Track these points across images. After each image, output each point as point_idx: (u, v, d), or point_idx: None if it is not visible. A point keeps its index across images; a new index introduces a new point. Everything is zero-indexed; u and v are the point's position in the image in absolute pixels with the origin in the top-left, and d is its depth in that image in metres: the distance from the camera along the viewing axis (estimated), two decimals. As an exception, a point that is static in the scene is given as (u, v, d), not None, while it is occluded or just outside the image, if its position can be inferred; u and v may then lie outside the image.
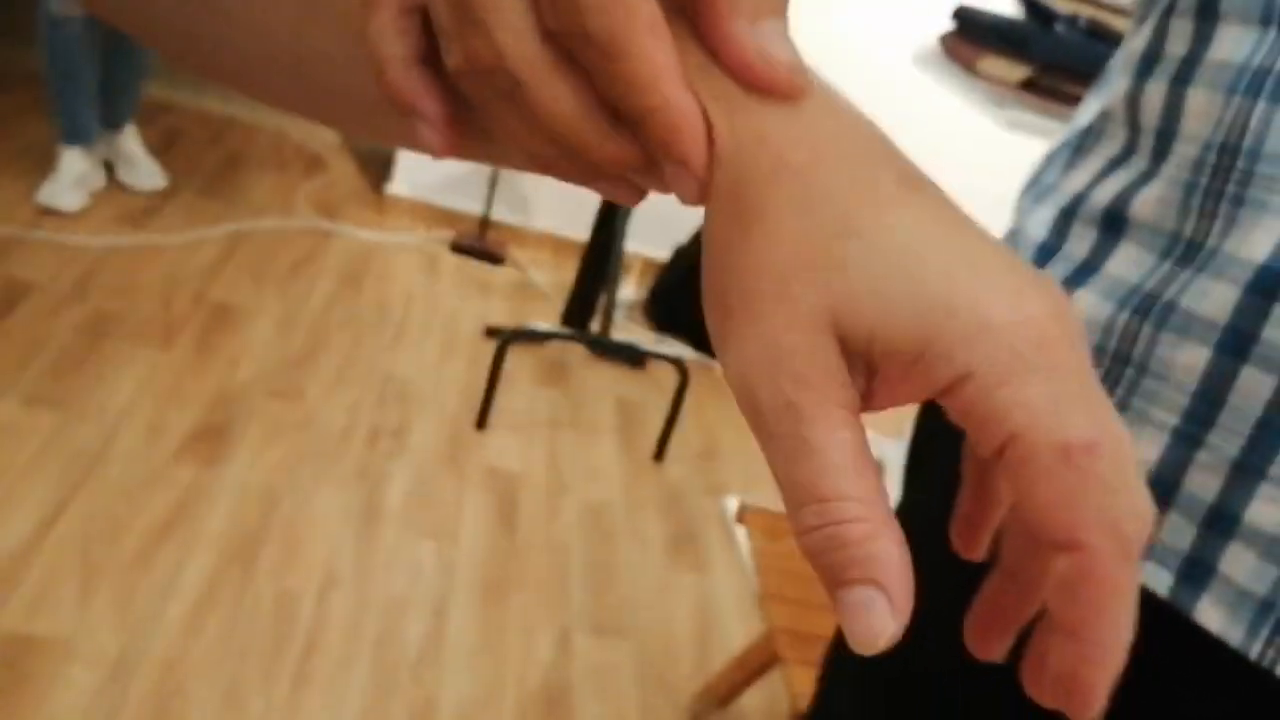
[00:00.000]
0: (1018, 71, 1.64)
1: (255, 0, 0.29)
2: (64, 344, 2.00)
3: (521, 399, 2.33)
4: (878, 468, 0.22)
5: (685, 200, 0.24)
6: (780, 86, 0.22)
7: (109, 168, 2.64)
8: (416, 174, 2.97)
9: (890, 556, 0.21)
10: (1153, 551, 0.47)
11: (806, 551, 0.22)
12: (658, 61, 0.21)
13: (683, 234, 2.87)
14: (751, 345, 0.22)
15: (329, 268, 2.62)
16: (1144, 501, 0.21)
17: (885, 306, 0.21)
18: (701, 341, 2.75)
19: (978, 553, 0.27)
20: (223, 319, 2.25)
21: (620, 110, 0.23)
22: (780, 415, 0.22)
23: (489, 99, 0.23)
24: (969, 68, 1.66)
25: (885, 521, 0.21)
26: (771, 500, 2.19)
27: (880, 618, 0.21)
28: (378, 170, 3.20)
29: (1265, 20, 0.44)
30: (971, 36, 1.70)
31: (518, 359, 2.44)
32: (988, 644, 0.26)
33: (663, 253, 2.96)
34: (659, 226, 2.92)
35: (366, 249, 2.78)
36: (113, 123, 2.61)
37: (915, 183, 0.23)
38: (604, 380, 2.52)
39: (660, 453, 2.27)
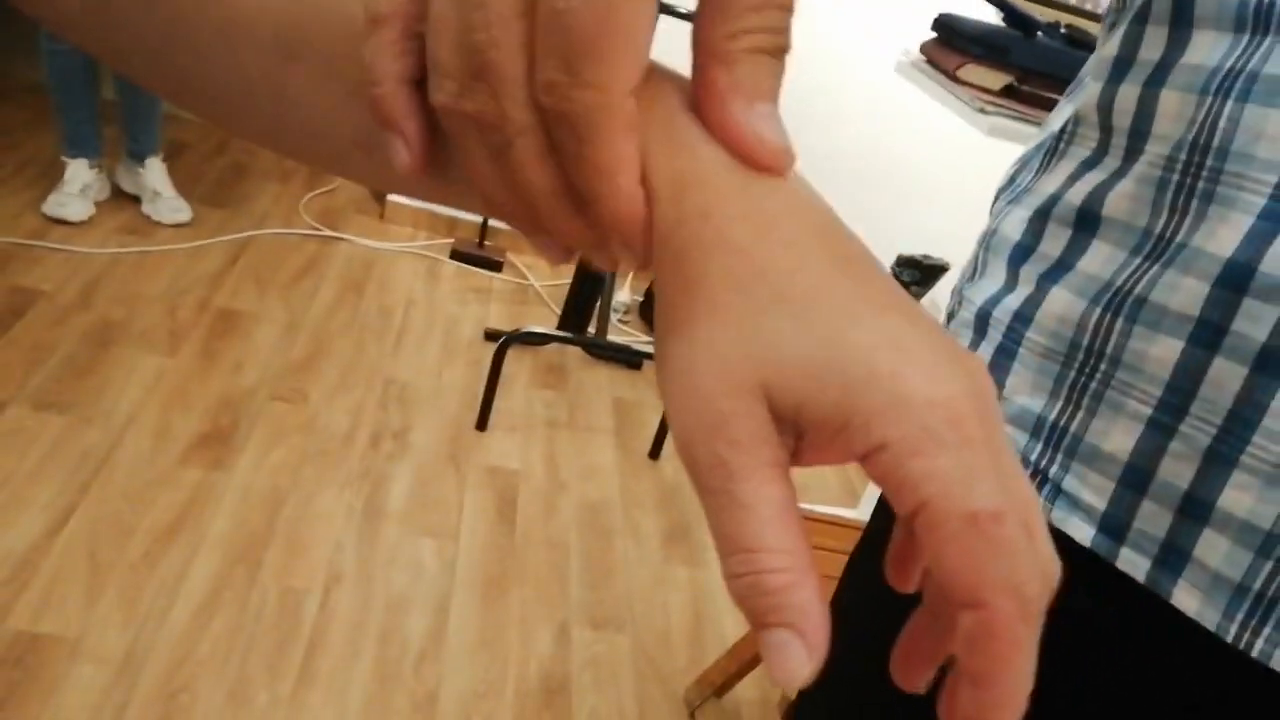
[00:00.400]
0: (999, 78, 1.68)
1: (233, 41, 0.31)
2: (71, 350, 2.05)
3: (520, 400, 2.37)
4: (802, 522, 0.24)
5: (626, 270, 0.27)
6: (768, 164, 0.25)
7: (136, 199, 2.67)
8: (416, 181, 3.01)
9: (807, 604, 0.23)
10: (1130, 538, 0.49)
11: (733, 596, 0.23)
12: (622, 155, 0.24)
13: (678, 238, 2.91)
14: (690, 408, 0.24)
15: (332, 275, 2.66)
16: (1048, 562, 0.23)
17: (811, 381, 0.23)
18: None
19: (908, 586, 0.29)
20: (227, 325, 2.30)
21: (576, 184, 0.25)
22: (713, 472, 0.23)
23: (470, 143, 0.25)
24: (951, 75, 1.70)
25: (805, 571, 0.23)
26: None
27: (796, 658, 0.22)
28: (378, 178, 3.25)
29: (1238, 26, 0.45)
30: (953, 45, 1.74)
31: (517, 361, 2.49)
32: (909, 675, 0.28)
33: (659, 257, 3.00)
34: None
35: (368, 256, 2.82)
36: (136, 154, 2.62)
37: (852, 263, 0.25)
38: (601, 381, 2.56)
39: (656, 451, 2.31)
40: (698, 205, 0.24)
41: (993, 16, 1.80)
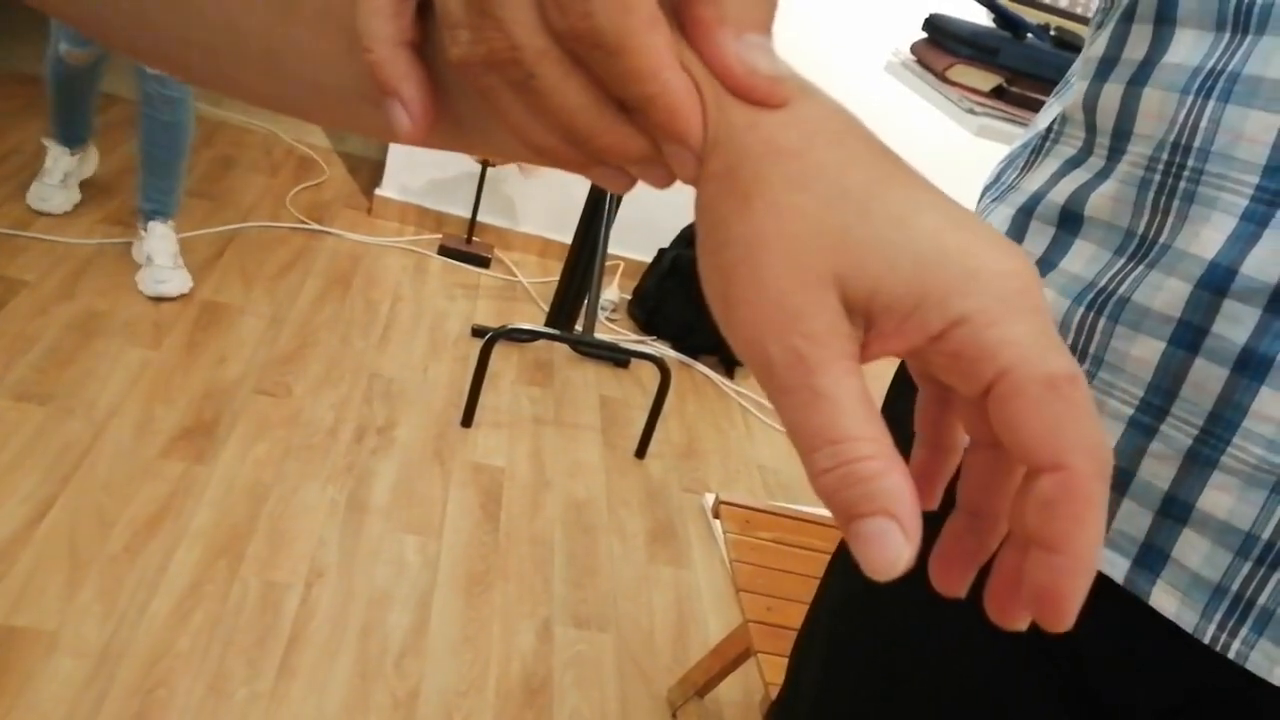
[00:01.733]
0: (988, 79, 1.68)
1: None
2: (53, 341, 2.03)
3: (507, 397, 2.36)
4: (879, 412, 0.24)
5: (684, 177, 0.26)
6: (761, 95, 0.24)
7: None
8: (406, 177, 3.01)
9: (900, 489, 0.23)
10: (1109, 537, 0.49)
11: (822, 492, 0.23)
12: (657, 53, 0.23)
13: (665, 238, 2.91)
14: (761, 308, 0.24)
15: (318, 269, 2.65)
16: (1105, 432, 0.24)
17: (884, 264, 0.23)
18: (682, 341, 2.79)
19: (934, 501, 0.29)
20: (212, 318, 2.28)
21: (623, 100, 0.24)
22: (791, 369, 0.23)
23: (496, 90, 0.24)
24: (940, 76, 1.70)
25: (893, 458, 0.23)
26: (747, 496, 2.23)
27: (895, 544, 0.22)
28: (368, 174, 3.23)
29: (1219, 25, 0.45)
30: (942, 45, 1.74)
31: (503, 358, 2.48)
32: (951, 580, 0.28)
33: (645, 255, 2.99)
34: (642, 230, 2.96)
35: (356, 251, 2.81)
36: (145, 210, 2.31)
37: (895, 160, 0.25)
38: (588, 379, 2.55)
39: (642, 450, 2.31)
40: (742, 115, 0.24)
41: (983, 18, 1.80)
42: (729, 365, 2.78)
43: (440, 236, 3.00)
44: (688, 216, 2.81)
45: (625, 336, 2.81)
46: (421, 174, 3.00)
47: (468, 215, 2.99)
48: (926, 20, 1.82)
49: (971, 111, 1.61)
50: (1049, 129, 0.56)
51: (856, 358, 0.24)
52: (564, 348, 2.62)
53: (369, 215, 3.02)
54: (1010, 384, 0.23)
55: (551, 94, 0.24)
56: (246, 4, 0.30)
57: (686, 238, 2.83)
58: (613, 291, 2.93)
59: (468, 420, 2.21)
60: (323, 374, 2.22)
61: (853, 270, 0.23)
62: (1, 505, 1.62)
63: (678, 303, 2.76)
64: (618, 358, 2.63)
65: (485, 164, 2.80)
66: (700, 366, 2.76)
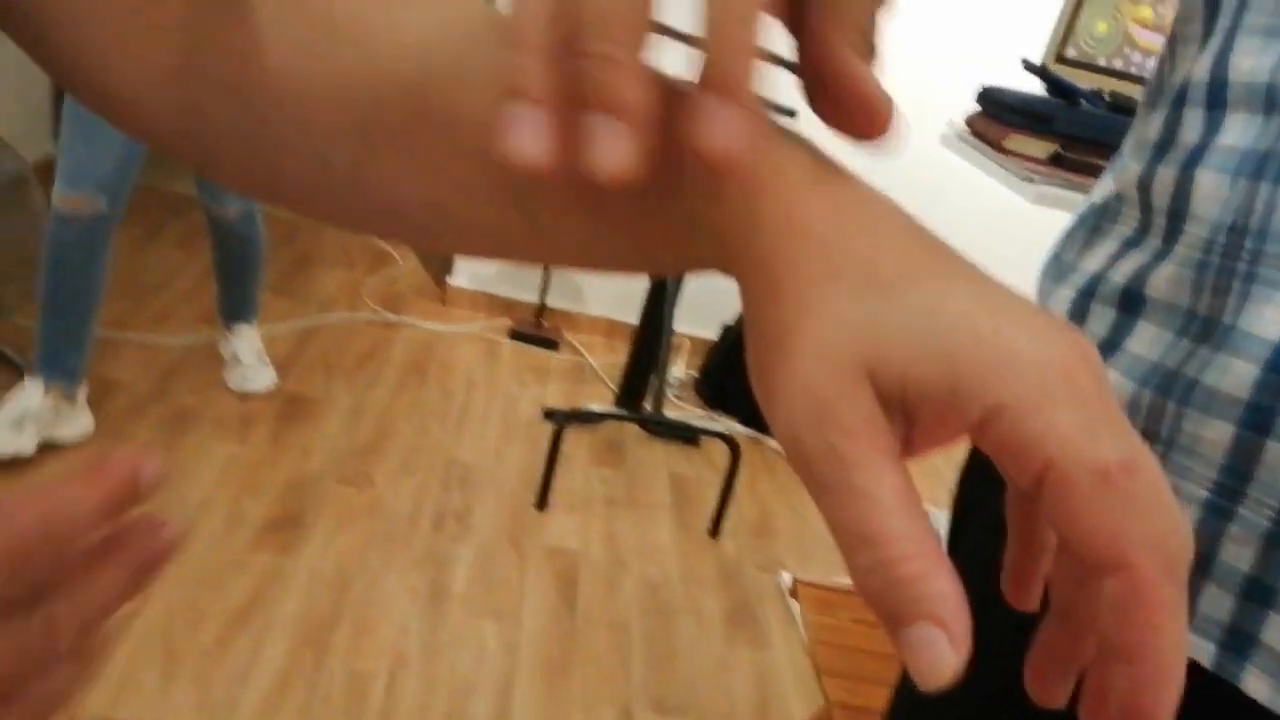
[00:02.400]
0: (1045, 147, 1.69)
1: (314, 135, 0.32)
2: (148, 438, 2.12)
3: (579, 479, 2.39)
4: (923, 508, 0.22)
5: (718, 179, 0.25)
6: (880, 110, 0.25)
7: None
8: (476, 266, 3.10)
9: (946, 592, 0.21)
10: (1195, 622, 0.48)
11: (864, 594, 0.22)
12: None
13: (730, 314, 2.94)
14: (795, 401, 0.23)
15: (395, 358, 2.73)
16: (1182, 520, 0.21)
17: (916, 353, 0.22)
18: (752, 418, 2.79)
19: (1031, 602, 0.28)
20: (296, 411, 2.37)
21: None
22: (827, 464, 0.22)
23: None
24: (996, 146, 1.72)
25: (937, 559, 0.22)
26: (825, 574, 2.21)
27: (942, 653, 0.21)
28: (439, 264, 3.34)
29: (1268, 109, 0.46)
30: (997, 116, 1.76)
31: (575, 440, 2.51)
32: (1049, 690, 0.26)
33: (710, 333, 3.02)
34: (706, 307, 2.99)
35: (430, 339, 2.90)
36: (226, 315, 2.35)
37: (930, 242, 0.25)
38: (658, 458, 2.57)
39: (716, 529, 2.30)
40: (779, 205, 0.25)
41: (1036, 87, 1.82)
42: (800, 438, 2.78)
43: (510, 322, 3.07)
44: (752, 292, 2.84)
45: (693, 414, 2.83)
46: (491, 262, 3.09)
47: (536, 300, 3.06)
48: (980, 93, 1.84)
49: (1029, 179, 1.62)
50: (1104, 207, 0.56)
51: (895, 452, 0.23)
52: (634, 427, 2.64)
53: (442, 304, 3.11)
54: (1059, 477, 0.21)
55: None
56: (332, 141, 0.32)
57: (751, 313, 2.86)
58: (679, 369, 2.96)
59: (542, 503, 2.24)
60: (401, 462, 2.28)
61: (883, 361, 0.23)
62: (101, 601, 1.69)
63: (745, 379, 2.77)
64: (687, 436, 2.64)
65: (552, 250, 2.88)
66: (770, 442, 2.76)
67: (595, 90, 0.22)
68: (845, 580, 1.59)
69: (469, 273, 3.11)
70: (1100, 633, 0.22)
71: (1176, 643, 0.21)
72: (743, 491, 2.48)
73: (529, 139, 0.23)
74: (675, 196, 0.27)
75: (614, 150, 0.22)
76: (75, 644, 0.24)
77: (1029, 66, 1.78)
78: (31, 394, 1.95)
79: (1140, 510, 0.21)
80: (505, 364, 2.87)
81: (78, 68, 0.34)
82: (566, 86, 0.23)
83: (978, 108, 1.84)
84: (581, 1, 0.22)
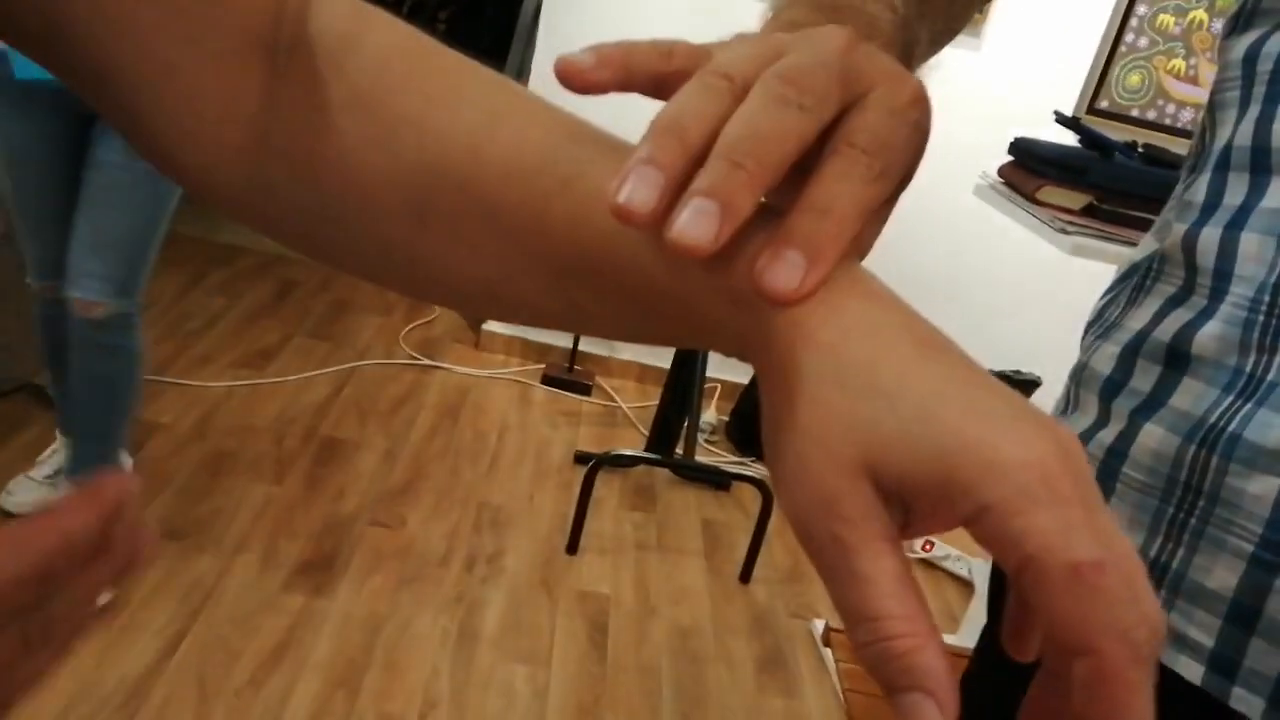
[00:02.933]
0: (1079, 199, 1.70)
1: (372, 213, 0.35)
2: (186, 480, 2.16)
3: (610, 522, 2.39)
4: (919, 588, 0.25)
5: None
6: (784, 300, 0.28)
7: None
8: (508, 310, 3.14)
9: (933, 665, 0.24)
10: (1241, 676, 0.49)
11: (864, 664, 0.25)
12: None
13: (764, 359, 2.95)
14: (804, 492, 0.26)
15: (429, 403, 2.76)
16: (1152, 611, 0.24)
17: (910, 454, 0.25)
18: (785, 464, 2.79)
19: (1027, 654, 0.29)
20: (330, 453, 2.40)
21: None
22: (830, 549, 0.25)
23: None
24: (1030, 197, 1.73)
25: (927, 635, 0.24)
26: (859, 622, 2.19)
27: (932, 717, 0.24)
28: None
29: None
30: (1030, 167, 1.78)
31: (606, 484, 2.52)
32: None
33: (742, 377, 3.03)
34: (740, 353, 3.01)
35: (464, 384, 2.93)
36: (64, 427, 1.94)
37: (932, 348, 0.27)
38: (689, 503, 2.57)
39: (747, 574, 2.29)
40: (789, 317, 0.27)
41: (1069, 139, 1.83)
42: (831, 485, 2.76)
43: (543, 366, 3.10)
44: (783, 339, 2.86)
45: (725, 459, 2.83)
46: (524, 307, 3.13)
47: (569, 345, 3.09)
48: (1012, 144, 1.85)
49: (1064, 230, 1.63)
50: (1148, 266, 0.58)
51: (894, 539, 0.25)
52: (665, 472, 2.65)
53: (476, 349, 3.15)
54: (1035, 572, 0.23)
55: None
56: (388, 218, 0.35)
57: (783, 359, 2.87)
58: (711, 414, 2.96)
59: (573, 547, 2.24)
60: (434, 504, 2.29)
61: (882, 460, 0.25)
62: (138, 639, 1.71)
63: (777, 424, 2.77)
64: (718, 480, 2.64)
65: (585, 296, 2.91)
66: (802, 487, 2.75)
67: (718, 181, 0.27)
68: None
69: (503, 318, 3.15)
70: (1074, 703, 0.24)
71: (1140, 717, 0.23)
72: (774, 536, 2.47)
73: (642, 191, 0.27)
74: (697, 301, 0.30)
75: (707, 229, 0.26)
76: (55, 635, 0.27)
77: (1061, 119, 1.80)
78: (66, 453, 1.92)
79: (1107, 603, 0.23)
80: (538, 408, 2.89)
81: (154, 139, 0.37)
82: (687, 174, 0.27)
83: (1010, 159, 1.86)
84: (746, 120, 0.28)
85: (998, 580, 0.67)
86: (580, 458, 2.61)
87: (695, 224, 0.26)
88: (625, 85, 0.31)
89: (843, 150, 0.29)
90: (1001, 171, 1.86)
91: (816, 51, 0.30)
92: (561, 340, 3.13)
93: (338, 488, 2.26)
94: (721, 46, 0.32)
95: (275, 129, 0.36)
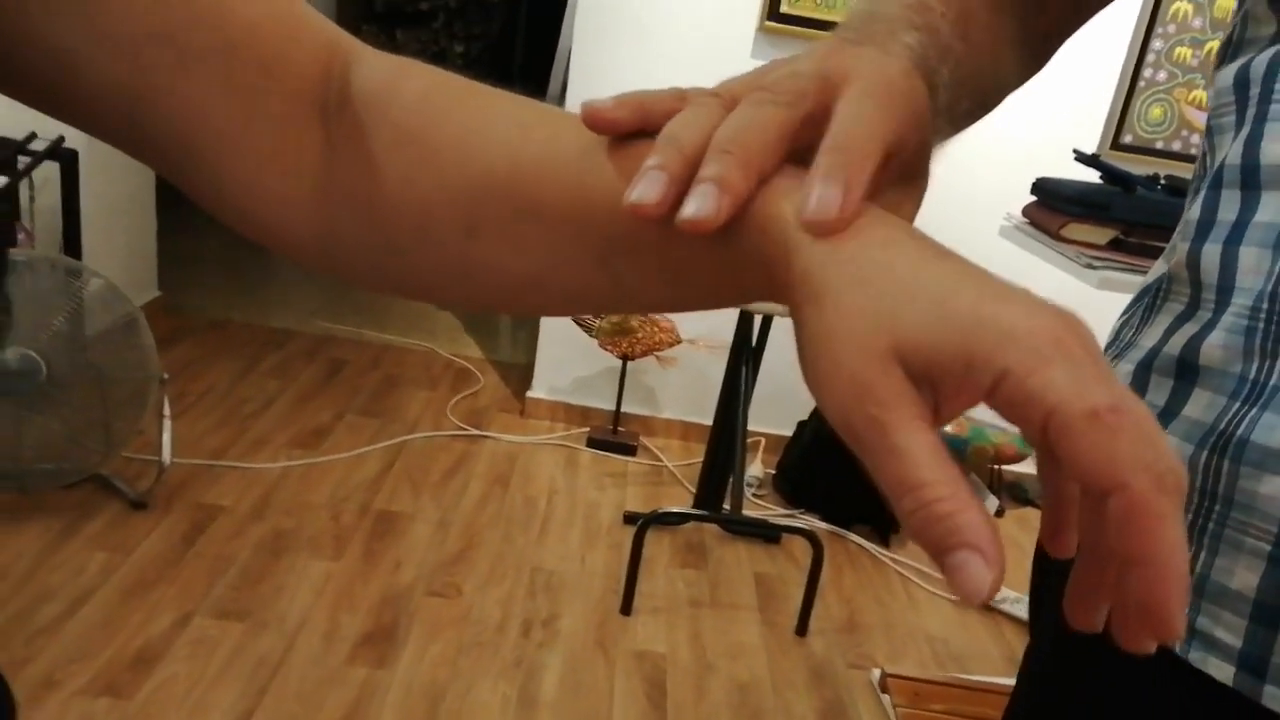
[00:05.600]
0: (1104, 233, 1.72)
1: (429, 234, 0.39)
2: (248, 560, 2.21)
3: (662, 581, 2.41)
4: (956, 463, 0.27)
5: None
6: (828, 230, 0.31)
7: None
8: (553, 378, 3.19)
9: (976, 523, 0.25)
10: (1271, 674, 0.50)
11: (912, 533, 0.26)
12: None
13: (803, 410, 2.97)
14: (841, 385, 0.28)
15: (479, 471, 2.81)
16: (1170, 453, 0.25)
17: (932, 336, 0.27)
18: (832, 512, 2.79)
19: (1067, 549, 0.32)
20: (386, 526, 2.45)
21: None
22: (871, 432, 0.27)
23: None
24: (1055, 235, 1.75)
25: (968, 498, 0.26)
26: (917, 668, 2.17)
27: (979, 572, 0.25)
28: (519, 378, 3.44)
29: None
30: (1054, 206, 1.81)
31: (656, 543, 2.54)
32: (1084, 615, 0.31)
33: (786, 429, 3.05)
34: (779, 404, 3.03)
35: (512, 451, 2.98)
36: None
37: (939, 251, 0.30)
38: (740, 558, 2.58)
39: (802, 627, 2.29)
40: (816, 244, 0.31)
41: (1091, 175, 1.85)
42: (884, 533, 2.76)
43: (588, 430, 3.14)
44: (824, 389, 2.87)
45: (773, 512, 2.83)
46: (567, 373, 3.19)
47: (612, 408, 3.13)
48: (1035, 184, 1.89)
49: (1090, 266, 1.65)
50: (1158, 289, 0.60)
51: (927, 418, 0.28)
52: (714, 528, 2.66)
53: (522, 416, 3.21)
54: (1058, 423, 0.25)
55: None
56: (442, 237, 0.40)
57: (825, 409, 2.88)
58: (757, 468, 2.98)
59: (627, 608, 2.26)
60: (488, 572, 2.33)
61: (908, 345, 0.27)
62: (208, 719, 1.75)
63: (823, 474, 2.78)
64: (768, 534, 2.64)
65: (625, 358, 2.96)
66: (853, 536, 2.75)
67: (712, 168, 0.32)
68: (938, 673, 1.58)
69: (547, 385, 3.20)
70: (1113, 550, 0.26)
71: (1174, 543, 0.25)
72: (828, 587, 2.46)
73: (650, 190, 0.32)
74: (729, 245, 0.34)
75: (709, 207, 0.31)
76: None
77: (1081, 157, 1.83)
78: None
79: (1128, 441, 0.25)
80: (585, 471, 2.93)
81: (229, 200, 0.41)
82: (686, 173, 0.33)
83: (1034, 199, 1.89)
84: (731, 120, 0.33)
85: (1036, 596, 0.69)
86: (629, 518, 2.63)
87: (699, 205, 0.31)
88: (644, 124, 0.36)
89: (845, 97, 0.34)
90: (1026, 212, 1.89)
91: (792, 65, 0.35)
92: (604, 403, 3.18)
93: (394, 560, 2.31)
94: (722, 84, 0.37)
95: (335, 179, 0.41)
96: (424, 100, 0.40)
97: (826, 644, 2.27)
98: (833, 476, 2.76)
